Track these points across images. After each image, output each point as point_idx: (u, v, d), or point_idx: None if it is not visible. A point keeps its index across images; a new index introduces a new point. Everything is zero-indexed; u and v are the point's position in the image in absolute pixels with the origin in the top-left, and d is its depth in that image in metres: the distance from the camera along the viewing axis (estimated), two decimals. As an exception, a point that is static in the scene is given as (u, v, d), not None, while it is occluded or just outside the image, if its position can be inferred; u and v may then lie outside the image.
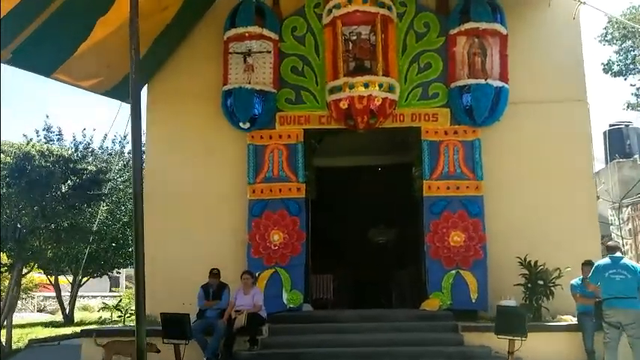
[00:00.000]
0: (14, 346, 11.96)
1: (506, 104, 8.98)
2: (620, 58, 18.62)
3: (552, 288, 8.12)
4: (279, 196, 9.15)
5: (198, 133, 9.60)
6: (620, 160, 14.88)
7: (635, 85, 19.01)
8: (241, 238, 9.13)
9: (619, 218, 14.08)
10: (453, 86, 9.06)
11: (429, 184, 9.04)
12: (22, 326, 15.72)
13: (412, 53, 9.29)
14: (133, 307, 9.22)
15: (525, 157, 9.14)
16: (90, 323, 16.21)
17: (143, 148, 10.09)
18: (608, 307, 6.54)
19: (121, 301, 17.83)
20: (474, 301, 8.57)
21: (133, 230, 4.29)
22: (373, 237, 13.06)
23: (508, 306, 7.64)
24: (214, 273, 8.21)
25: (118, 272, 27.10)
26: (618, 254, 6.71)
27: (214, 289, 8.16)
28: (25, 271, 13.47)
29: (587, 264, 7.40)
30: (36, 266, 15.51)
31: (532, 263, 8.28)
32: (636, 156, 14.99)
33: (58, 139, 15.74)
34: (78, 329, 12.12)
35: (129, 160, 16.66)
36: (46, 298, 25.21)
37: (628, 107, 19.29)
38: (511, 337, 6.81)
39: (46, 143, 14.46)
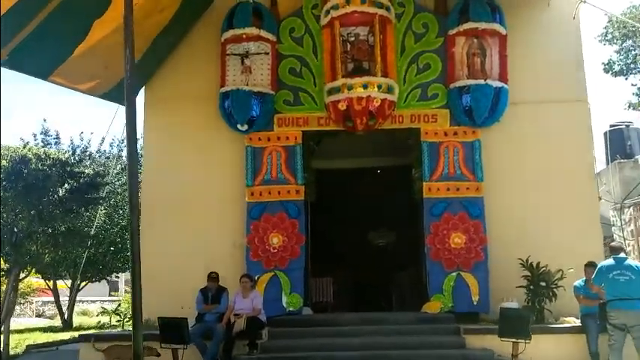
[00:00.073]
0: (12, 352, 11.85)
1: (506, 105, 8.94)
2: (621, 57, 18.57)
3: (555, 290, 8.05)
4: (278, 199, 9.09)
5: (195, 136, 9.55)
6: (621, 160, 14.83)
7: (636, 85, 18.98)
8: (240, 241, 9.06)
9: (621, 219, 14.01)
10: (453, 87, 9.01)
11: (429, 185, 8.98)
12: (20, 331, 15.60)
13: (411, 54, 9.24)
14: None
15: (526, 158, 9.08)
16: (89, 328, 16.11)
17: (140, 151, 10.04)
18: (612, 309, 6.45)
19: (119, 305, 17.75)
20: (475, 303, 8.51)
21: (129, 234, 4.22)
22: (373, 239, 13.00)
23: (512, 308, 7.57)
24: (213, 276, 8.15)
25: (116, 277, 26.99)
26: (622, 255, 6.64)
27: (213, 292, 8.09)
28: (22, 275, 13.35)
29: (590, 265, 7.33)
30: (34, 271, 15.39)
31: (534, 265, 8.21)
32: (637, 156, 14.95)
33: (56, 143, 15.70)
34: (77, 334, 12.02)
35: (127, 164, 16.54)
36: (44, 302, 25.08)
37: (629, 107, 19.23)
38: (515, 340, 6.73)
39: (43, 147, 14.39)
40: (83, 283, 19.12)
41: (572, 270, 7.90)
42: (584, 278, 7.48)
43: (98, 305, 22.73)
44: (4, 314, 11.07)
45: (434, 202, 8.93)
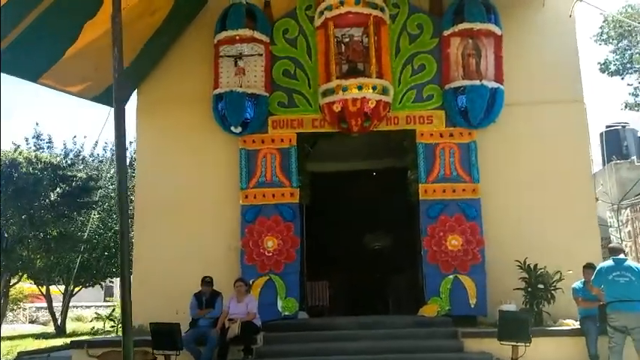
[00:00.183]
0: (3, 359, 11.69)
1: (502, 105, 8.89)
2: (617, 57, 18.59)
3: (553, 292, 7.97)
4: (273, 202, 9.00)
5: (189, 138, 9.47)
6: (618, 161, 14.81)
7: (632, 85, 19.02)
8: (234, 244, 8.96)
9: (618, 220, 13.98)
10: (448, 88, 8.95)
11: (425, 187, 8.91)
12: (12, 338, 15.40)
13: (406, 55, 9.19)
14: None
15: (523, 159, 9.04)
16: (82, 334, 15.91)
17: (134, 154, 9.94)
18: (612, 311, 6.37)
19: (114, 310, 17.55)
20: (472, 306, 8.44)
21: (119, 240, 4.11)
22: (369, 242, 12.91)
23: (511, 311, 7.48)
24: (207, 281, 8.04)
25: (111, 282, 26.76)
26: (621, 256, 6.56)
27: (207, 297, 7.98)
28: (13, 281, 13.18)
29: (589, 267, 7.26)
30: (25, 276, 15.21)
31: (532, 266, 8.13)
32: (633, 157, 14.93)
33: (48, 147, 15.54)
34: (69, 340, 11.84)
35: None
36: (38, 309, 24.85)
37: (626, 107, 19.24)
38: (515, 343, 6.64)
39: (35, 151, 14.24)
40: (77, 289, 18.94)
41: (570, 272, 7.83)
42: (583, 280, 7.41)
43: (93, 311, 22.52)
44: (-5, 320, 10.92)
45: (430, 204, 8.86)
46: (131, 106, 9.99)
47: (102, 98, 9.49)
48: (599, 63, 19.14)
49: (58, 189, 11.43)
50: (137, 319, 8.69)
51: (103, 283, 21.85)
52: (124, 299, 3.94)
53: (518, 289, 8.10)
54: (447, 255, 8.62)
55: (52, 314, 18.62)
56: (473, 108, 8.75)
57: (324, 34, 9.02)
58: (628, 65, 18.41)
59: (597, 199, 10.07)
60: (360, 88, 8.60)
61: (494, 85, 8.80)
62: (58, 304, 19.41)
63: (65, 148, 15.86)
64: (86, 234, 14.30)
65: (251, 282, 8.51)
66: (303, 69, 9.26)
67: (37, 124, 31.09)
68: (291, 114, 9.19)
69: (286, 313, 8.65)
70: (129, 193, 13.61)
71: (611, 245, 7.04)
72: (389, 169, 10.98)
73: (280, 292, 8.72)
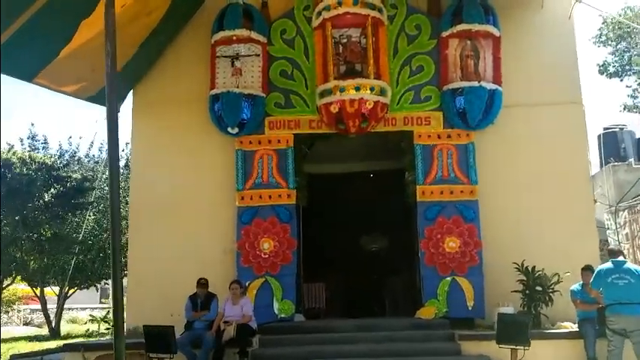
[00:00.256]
0: (-3, 361, 11.58)
1: (500, 107, 8.85)
2: (616, 59, 18.59)
3: (551, 294, 7.92)
4: (269, 203, 8.93)
5: (185, 139, 9.39)
6: (615, 163, 14.79)
7: (631, 87, 18.99)
8: (230, 246, 8.89)
9: (615, 222, 13.95)
10: (446, 89, 8.91)
11: (423, 189, 8.85)
12: (5, 340, 15.27)
13: (404, 56, 9.14)
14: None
15: (521, 161, 8.99)
16: (77, 336, 15.81)
17: (129, 155, 9.87)
18: (611, 314, 6.32)
19: (109, 312, 17.42)
20: (470, 308, 8.39)
21: (110, 243, 4.05)
22: (366, 244, 12.86)
23: (510, 313, 7.42)
24: (202, 283, 7.96)
25: (106, 283, 26.59)
26: (621, 258, 6.51)
27: (202, 299, 7.91)
28: (7, 283, 13.04)
29: (587, 269, 7.22)
30: (20, 278, 15.07)
31: (529, 269, 8.08)
32: (631, 159, 14.91)
33: (44, 148, 15.43)
34: (63, 343, 11.73)
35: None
36: (32, 311, 24.69)
37: (624, 109, 19.21)
38: (514, 347, 6.57)
39: (30, 152, 14.13)
40: (71, 291, 18.81)
41: (568, 274, 7.78)
42: (581, 282, 7.37)
43: (88, 313, 22.39)
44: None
45: (428, 205, 8.81)
46: (127, 107, 9.95)
47: (97, 98, 9.40)
48: (597, 65, 19.19)
49: (52, 190, 11.31)
50: (133, 320, 8.71)
51: (99, 285, 21.74)
52: (115, 302, 3.87)
53: (515, 291, 8.05)
54: (445, 257, 8.57)
55: (47, 316, 18.49)
56: (471, 109, 8.71)
57: (321, 34, 8.97)
58: (627, 67, 18.41)
59: (596, 201, 10.02)
60: (357, 89, 8.55)
61: (493, 86, 8.77)
62: (53, 306, 19.28)
63: (61, 149, 15.77)
64: (81, 235, 14.19)
65: (247, 284, 8.47)
66: (301, 70, 9.21)
67: (32, 124, 30.98)
68: (288, 115, 9.13)
69: (282, 316, 8.58)
70: (125, 194, 13.59)
71: (610, 247, 7.00)
72: (386, 170, 10.93)
73: (276, 294, 8.65)
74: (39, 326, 22.34)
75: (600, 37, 18.61)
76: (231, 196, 9.01)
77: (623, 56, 18.38)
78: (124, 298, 9.96)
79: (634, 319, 6.20)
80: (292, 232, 8.90)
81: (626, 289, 6.22)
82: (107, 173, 16.03)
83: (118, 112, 9.65)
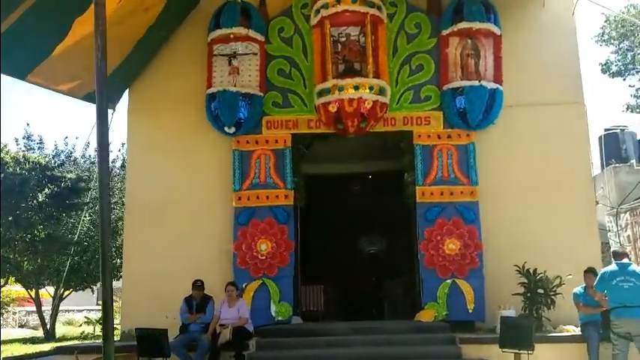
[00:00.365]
0: (-10, 363, 11.41)
1: (501, 106, 8.76)
2: (619, 58, 18.47)
3: (553, 297, 7.80)
4: (267, 204, 8.82)
5: (181, 138, 9.28)
6: (617, 165, 14.69)
7: (634, 86, 18.86)
8: (226, 247, 8.76)
9: (617, 225, 13.84)
10: (446, 88, 8.81)
11: (423, 189, 8.74)
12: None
13: (403, 55, 9.04)
14: (117, 321, 8.84)
15: (522, 161, 8.88)
16: (72, 338, 15.63)
17: (125, 155, 9.71)
18: (616, 317, 6.20)
19: (104, 314, 17.23)
20: (470, 311, 8.28)
21: (100, 246, 3.93)
22: (365, 246, 12.75)
23: (513, 317, 7.29)
24: (198, 285, 7.84)
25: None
26: (625, 260, 6.38)
27: (198, 301, 7.79)
28: (1, 284, 12.87)
29: (590, 271, 7.11)
30: (13, 280, 14.89)
31: (531, 271, 7.96)
32: (632, 161, 14.81)
33: (39, 148, 15.29)
34: (57, 345, 11.58)
35: (111, 169, 16.20)
36: (28, 312, 24.47)
37: (627, 109, 19.08)
38: (517, 351, 6.44)
39: (24, 151, 13.97)
40: (67, 292, 18.62)
41: (570, 276, 7.66)
42: (584, 285, 7.24)
43: (84, 314, 22.21)
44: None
45: (427, 206, 8.69)
46: (122, 106, 9.82)
47: (92, 97, 9.24)
48: (600, 64, 19.01)
49: (46, 190, 11.15)
50: (128, 322, 8.58)
51: (94, 287, 21.58)
52: (105, 305, 3.74)
53: (517, 294, 7.93)
54: (445, 259, 8.45)
55: (42, 318, 18.30)
56: (471, 109, 8.60)
57: (320, 32, 8.86)
58: (630, 66, 18.29)
59: (597, 203, 9.90)
60: (356, 88, 8.44)
61: (494, 85, 8.67)
62: (49, 308, 19.09)
63: (56, 148, 15.63)
64: (76, 236, 14.03)
65: (244, 286, 8.35)
66: (299, 68, 9.10)
67: (27, 124, 30.85)
68: (286, 114, 9.02)
69: (280, 318, 8.47)
70: (122, 195, 13.43)
71: (614, 250, 6.86)
72: (385, 171, 10.84)
73: (274, 296, 8.53)
74: (34, 328, 22.14)
75: (603, 35, 18.48)
76: (227, 196, 8.89)
77: (626, 55, 18.26)
78: (119, 300, 9.87)
79: (639, 323, 6.07)
80: (290, 233, 8.78)
81: (630, 291, 6.10)
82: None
83: (110, 108, 9.53)
